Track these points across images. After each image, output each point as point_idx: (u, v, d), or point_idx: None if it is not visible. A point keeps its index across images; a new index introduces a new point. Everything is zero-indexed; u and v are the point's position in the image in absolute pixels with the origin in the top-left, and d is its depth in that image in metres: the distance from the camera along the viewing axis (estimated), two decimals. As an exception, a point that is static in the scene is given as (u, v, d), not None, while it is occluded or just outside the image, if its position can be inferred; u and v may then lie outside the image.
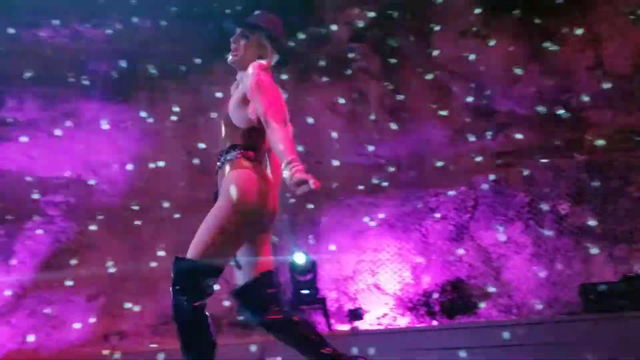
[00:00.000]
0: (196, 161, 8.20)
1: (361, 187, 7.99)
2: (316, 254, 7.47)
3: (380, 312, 7.42)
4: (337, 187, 7.91)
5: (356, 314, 7.26)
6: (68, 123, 8.10)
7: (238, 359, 5.56)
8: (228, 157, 2.64)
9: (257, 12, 2.92)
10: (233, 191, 2.45)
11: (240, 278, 2.67)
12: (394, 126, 8.14)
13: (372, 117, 8.33)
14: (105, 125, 8.10)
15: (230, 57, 2.85)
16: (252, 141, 2.64)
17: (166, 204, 7.76)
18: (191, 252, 2.48)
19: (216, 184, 2.66)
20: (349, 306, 7.53)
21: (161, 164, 7.97)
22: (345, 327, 7.13)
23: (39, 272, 7.31)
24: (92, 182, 7.97)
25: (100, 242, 7.61)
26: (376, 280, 7.68)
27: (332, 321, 7.03)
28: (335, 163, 7.91)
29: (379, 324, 7.26)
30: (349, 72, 8.44)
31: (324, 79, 8.36)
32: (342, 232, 7.93)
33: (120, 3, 8.53)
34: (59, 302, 7.15)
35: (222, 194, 2.52)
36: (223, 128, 2.75)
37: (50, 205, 7.74)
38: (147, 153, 8.15)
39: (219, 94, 8.12)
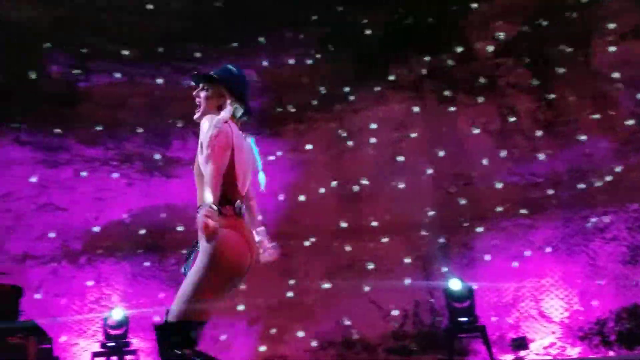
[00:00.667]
0: (343, 189, 8.34)
1: (518, 208, 7.54)
2: (472, 280, 7.13)
3: (547, 341, 6.87)
4: (490, 209, 7.56)
5: (520, 343, 6.77)
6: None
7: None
8: None
9: (221, 66, 2.91)
10: (209, 254, 2.44)
11: None
12: (549, 141, 7.64)
13: (524, 133, 7.89)
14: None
15: (195, 114, 2.83)
16: (226, 194, 2.56)
17: (316, 230, 7.94)
18: (174, 310, 2.47)
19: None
20: (512, 335, 7.05)
21: (309, 192, 8.21)
22: (508, 357, 6.69)
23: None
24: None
25: (254, 268, 7.93)
26: (540, 307, 7.13)
27: (494, 350, 6.62)
28: (487, 184, 7.58)
29: (546, 354, 6.72)
30: (498, 88, 8.11)
31: (472, 97, 8.12)
32: (499, 256, 7.50)
33: (263, 44, 9.07)
34: (223, 325, 7.53)
35: (200, 254, 2.48)
36: (197, 181, 2.66)
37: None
38: (296, 182, 8.44)
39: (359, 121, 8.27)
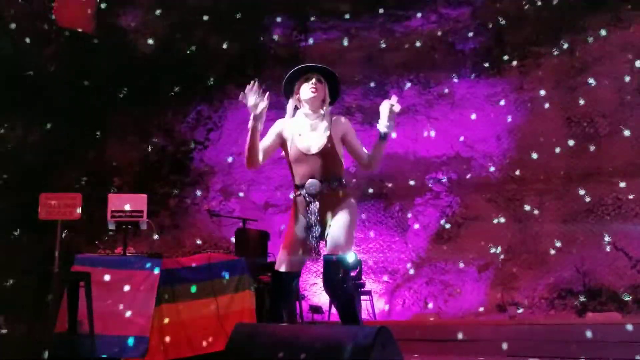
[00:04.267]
0: (577, 128, 7.62)
1: None
2: None
3: None
4: None
5: None
6: (443, 104, 8.53)
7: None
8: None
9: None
10: (354, 213, 3.06)
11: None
12: None
13: None
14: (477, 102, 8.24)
15: (315, 101, 3.11)
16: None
17: (547, 174, 7.44)
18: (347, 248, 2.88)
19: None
20: None
21: (538, 134, 7.68)
22: None
23: (431, 243, 7.88)
24: (470, 157, 8.18)
25: (483, 214, 7.75)
26: None
27: None
28: None
29: None
30: None
31: None
32: None
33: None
34: (453, 271, 7.55)
35: (347, 213, 2.95)
36: (322, 158, 3.02)
37: (435, 181, 8.25)
38: (522, 124, 7.94)
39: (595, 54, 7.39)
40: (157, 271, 4.06)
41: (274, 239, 8.17)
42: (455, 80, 8.46)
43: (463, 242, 7.66)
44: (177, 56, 8.71)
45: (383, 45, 9.03)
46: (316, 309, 7.18)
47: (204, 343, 4.23)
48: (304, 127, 3.06)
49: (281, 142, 3.09)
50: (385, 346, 2.09)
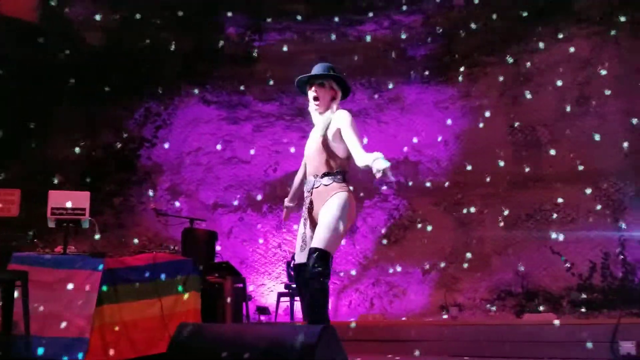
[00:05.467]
0: (520, 135, 7.90)
1: None
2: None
3: None
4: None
5: None
6: (393, 108, 8.67)
7: (581, 340, 4.84)
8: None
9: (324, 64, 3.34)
10: (343, 207, 3.06)
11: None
12: None
13: None
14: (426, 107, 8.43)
15: (317, 108, 3.29)
16: (346, 168, 3.27)
17: (491, 179, 7.67)
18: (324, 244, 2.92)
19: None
20: None
21: (483, 140, 7.91)
22: None
23: (378, 245, 8.00)
24: (418, 161, 8.35)
25: (429, 217, 7.92)
26: None
27: None
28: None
29: None
30: None
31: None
32: None
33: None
34: (398, 273, 7.68)
35: (334, 209, 3.01)
36: (317, 156, 3.17)
37: (383, 184, 8.37)
38: (469, 130, 8.16)
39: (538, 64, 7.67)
40: (98, 270, 3.96)
41: (222, 240, 8.11)
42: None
43: (409, 245, 7.80)
44: (127, 51, 8.50)
45: (336, 48, 9.09)
46: (263, 310, 7.16)
47: (147, 345, 4.15)
48: (315, 131, 3.23)
49: None
50: (329, 345, 2.12)
